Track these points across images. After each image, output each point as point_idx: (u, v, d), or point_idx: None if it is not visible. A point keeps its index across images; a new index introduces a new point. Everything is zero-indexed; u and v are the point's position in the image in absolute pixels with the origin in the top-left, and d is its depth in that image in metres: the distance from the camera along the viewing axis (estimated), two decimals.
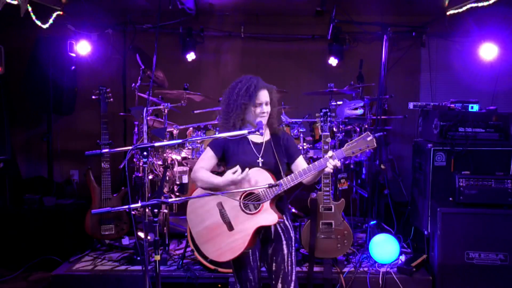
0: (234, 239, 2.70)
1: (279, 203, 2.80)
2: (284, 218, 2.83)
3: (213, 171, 2.84)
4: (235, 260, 2.77)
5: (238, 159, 2.76)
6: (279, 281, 2.78)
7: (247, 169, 2.65)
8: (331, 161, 2.59)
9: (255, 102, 2.73)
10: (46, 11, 4.79)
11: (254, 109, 2.74)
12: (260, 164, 2.75)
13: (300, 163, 2.83)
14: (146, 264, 2.36)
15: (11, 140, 4.91)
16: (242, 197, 2.71)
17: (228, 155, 2.81)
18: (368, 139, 2.60)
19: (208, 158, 2.82)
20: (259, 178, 2.68)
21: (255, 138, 2.82)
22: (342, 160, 2.89)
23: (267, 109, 2.77)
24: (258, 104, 2.74)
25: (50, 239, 4.53)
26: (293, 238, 2.87)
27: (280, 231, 2.82)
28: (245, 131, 2.60)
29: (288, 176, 2.67)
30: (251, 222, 2.69)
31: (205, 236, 2.77)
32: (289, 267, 2.80)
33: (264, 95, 2.75)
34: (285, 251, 2.81)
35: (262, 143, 2.82)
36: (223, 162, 2.90)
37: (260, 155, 2.78)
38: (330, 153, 2.61)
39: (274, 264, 2.81)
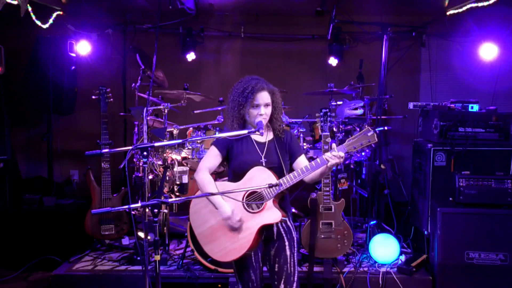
0: (239, 239, 2.70)
1: (281, 203, 2.80)
2: (287, 218, 2.83)
3: (213, 171, 2.84)
4: (237, 261, 2.77)
5: (242, 158, 2.76)
6: (282, 282, 2.78)
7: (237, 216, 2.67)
8: (328, 154, 2.57)
9: (253, 104, 2.71)
10: (46, 11, 4.79)
11: (252, 110, 2.73)
12: (264, 164, 2.74)
13: (302, 161, 2.82)
14: (146, 264, 2.36)
15: (11, 140, 4.90)
16: (245, 196, 2.71)
17: (232, 155, 2.80)
18: (369, 134, 2.59)
19: (213, 156, 2.81)
20: (261, 177, 2.67)
21: (258, 137, 2.81)
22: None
23: (265, 111, 2.73)
24: (255, 106, 2.72)
25: (50, 239, 4.53)
26: (295, 239, 2.87)
27: (283, 232, 2.82)
28: (245, 131, 2.61)
29: (289, 175, 2.67)
30: (255, 220, 2.68)
31: (209, 237, 2.77)
32: (292, 268, 2.80)
33: (262, 97, 2.72)
34: (288, 252, 2.81)
35: (265, 142, 2.81)
36: (226, 162, 2.89)
37: (263, 154, 2.77)
38: (334, 145, 2.62)
39: (276, 265, 2.80)
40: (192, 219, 2.83)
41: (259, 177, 2.68)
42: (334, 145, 2.62)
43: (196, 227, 2.82)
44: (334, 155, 2.57)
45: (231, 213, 2.67)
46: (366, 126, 4.69)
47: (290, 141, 2.86)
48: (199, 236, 2.80)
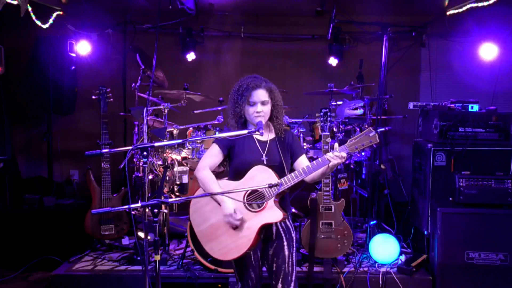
0: (239, 238, 2.69)
1: (281, 202, 2.79)
2: (286, 217, 2.83)
3: (213, 171, 2.84)
4: (237, 260, 2.77)
5: (243, 157, 2.76)
6: (280, 281, 2.78)
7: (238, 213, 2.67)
8: (330, 154, 2.57)
9: (248, 101, 2.71)
10: (46, 11, 4.79)
11: (248, 108, 2.73)
12: (265, 162, 2.74)
13: (303, 161, 2.82)
14: (146, 264, 2.36)
15: (11, 140, 4.91)
16: (245, 195, 2.71)
17: (234, 153, 2.80)
18: (371, 134, 2.59)
19: (214, 155, 2.81)
20: (262, 176, 2.67)
21: (260, 136, 2.80)
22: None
23: (262, 108, 2.72)
24: (252, 103, 2.72)
25: (50, 239, 4.53)
26: (294, 238, 2.86)
27: (282, 231, 2.82)
28: (245, 131, 2.60)
29: (290, 174, 2.66)
30: (255, 220, 2.68)
31: (209, 235, 2.76)
32: (290, 268, 2.80)
33: (257, 95, 2.71)
34: (286, 252, 2.80)
35: (266, 141, 2.81)
36: (227, 160, 2.89)
37: (265, 153, 2.77)
38: (336, 145, 2.61)
39: (274, 265, 2.80)
40: (193, 217, 2.83)
41: (260, 176, 2.68)
42: (336, 145, 2.61)
43: (196, 226, 2.81)
44: (336, 155, 2.56)
45: (232, 211, 2.66)
46: (368, 126, 4.75)
47: (291, 140, 2.85)
48: (199, 235, 2.80)
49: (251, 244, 2.67)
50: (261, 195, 2.69)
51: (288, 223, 2.85)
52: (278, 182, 2.62)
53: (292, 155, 2.85)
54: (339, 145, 2.63)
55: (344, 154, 2.57)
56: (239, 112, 2.75)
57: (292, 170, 2.78)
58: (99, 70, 5.50)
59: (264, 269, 2.90)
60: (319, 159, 2.63)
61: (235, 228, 2.70)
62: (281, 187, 2.63)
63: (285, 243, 2.81)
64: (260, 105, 2.72)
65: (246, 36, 5.76)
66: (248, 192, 2.71)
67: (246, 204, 2.70)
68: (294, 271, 2.82)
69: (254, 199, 2.71)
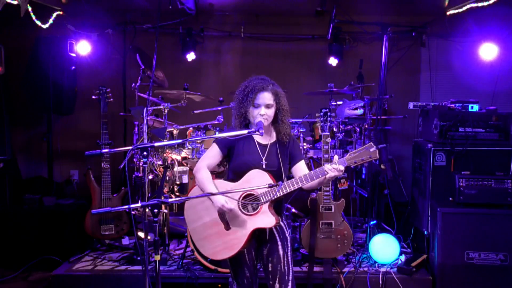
0: (231, 239, 2.71)
1: (276, 205, 2.79)
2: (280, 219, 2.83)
3: (212, 171, 2.84)
4: (231, 258, 2.79)
5: (243, 158, 2.76)
6: (276, 281, 2.78)
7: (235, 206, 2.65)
8: (328, 166, 2.58)
9: (253, 103, 2.72)
10: (46, 11, 4.79)
11: (253, 110, 2.73)
12: (264, 166, 2.74)
13: (300, 167, 2.82)
14: (146, 264, 2.37)
15: (11, 140, 4.91)
16: (241, 197, 2.71)
17: (233, 154, 2.80)
18: (371, 150, 2.61)
19: (213, 155, 2.81)
20: (259, 180, 2.67)
21: (261, 139, 2.81)
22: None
23: (266, 111, 2.71)
24: (256, 105, 2.72)
25: (50, 239, 4.53)
26: (288, 238, 2.86)
27: (275, 232, 2.82)
28: (245, 131, 2.60)
29: (286, 182, 2.66)
30: (248, 223, 2.69)
31: (202, 233, 2.79)
32: (286, 267, 2.80)
33: (262, 98, 2.71)
34: (281, 251, 2.80)
35: (267, 145, 2.81)
36: (226, 160, 2.89)
37: (264, 156, 2.77)
38: (336, 158, 2.62)
39: (270, 265, 2.81)
40: (187, 214, 2.85)
41: (257, 180, 2.68)
42: (336, 157, 2.62)
43: (190, 222, 2.84)
44: (334, 168, 2.57)
45: (224, 201, 2.66)
46: (366, 126, 4.75)
47: (292, 145, 2.86)
48: (192, 232, 2.82)
49: (241, 246, 2.70)
50: (256, 199, 2.70)
51: (282, 223, 2.84)
52: (278, 183, 2.62)
53: (291, 160, 2.85)
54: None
55: (342, 168, 2.59)
56: (243, 113, 2.76)
57: (289, 174, 2.78)
58: (99, 70, 5.50)
59: (261, 269, 2.90)
60: (317, 169, 2.63)
61: (228, 228, 2.71)
62: (279, 188, 2.63)
63: (279, 243, 2.81)
64: (264, 108, 2.72)
65: (246, 36, 5.76)
66: (243, 195, 2.71)
67: (240, 206, 2.71)
68: (291, 270, 2.82)
69: (249, 202, 2.72)
